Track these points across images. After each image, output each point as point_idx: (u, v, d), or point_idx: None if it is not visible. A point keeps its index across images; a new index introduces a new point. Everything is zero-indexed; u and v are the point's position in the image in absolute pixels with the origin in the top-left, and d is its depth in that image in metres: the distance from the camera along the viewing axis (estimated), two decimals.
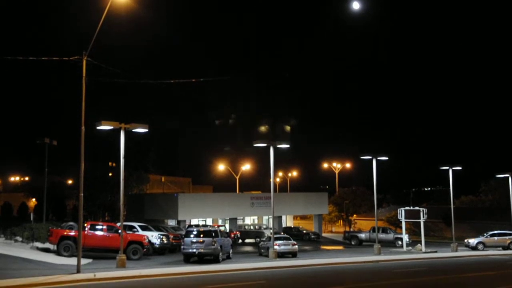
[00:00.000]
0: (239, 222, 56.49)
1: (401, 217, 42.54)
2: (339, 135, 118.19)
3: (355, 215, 74.82)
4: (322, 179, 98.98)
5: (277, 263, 28.40)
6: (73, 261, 24.65)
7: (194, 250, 28.70)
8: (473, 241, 45.65)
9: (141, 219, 46.19)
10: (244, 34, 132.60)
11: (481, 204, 69.86)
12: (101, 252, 30.15)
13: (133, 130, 26.60)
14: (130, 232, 32.29)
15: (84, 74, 22.74)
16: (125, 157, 26.20)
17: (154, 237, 34.26)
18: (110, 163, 56.30)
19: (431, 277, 23.31)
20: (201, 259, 29.27)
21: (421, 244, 41.35)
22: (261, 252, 35.23)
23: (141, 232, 33.85)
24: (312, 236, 56.28)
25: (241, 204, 55.50)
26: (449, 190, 43.44)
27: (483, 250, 43.98)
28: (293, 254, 34.29)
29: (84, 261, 25.36)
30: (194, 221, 50.81)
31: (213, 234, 29.24)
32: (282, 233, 42.02)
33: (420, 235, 42.90)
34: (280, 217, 59.27)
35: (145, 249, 30.32)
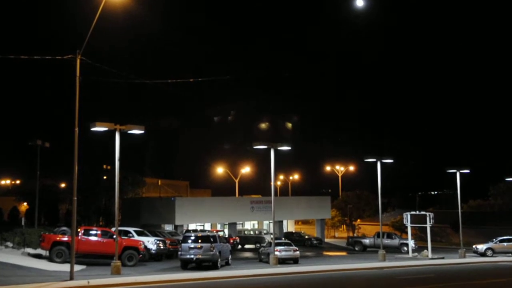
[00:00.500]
0: (239, 227, 56.48)
1: (407, 222, 42.51)
2: (338, 140, 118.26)
3: (358, 220, 74.83)
4: (324, 182, 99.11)
5: (278, 270, 28.39)
6: (66, 267, 24.64)
7: (192, 256, 28.68)
8: (481, 247, 45.60)
9: (137, 224, 46.14)
10: (244, 33, 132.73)
11: (490, 208, 69.88)
12: (95, 258, 30.13)
13: (129, 132, 26.61)
14: (125, 238, 32.26)
15: (77, 74, 22.75)
16: (120, 159, 26.21)
17: (150, 242, 34.23)
18: (104, 166, 56.34)
19: (438, 285, 23.29)
20: (199, 265, 29.25)
21: (427, 250, 41.32)
22: (261, 258, 35.22)
23: (136, 237, 33.82)
24: (314, 242, 56.26)
25: (240, 209, 55.49)
26: (457, 194, 43.41)
27: (492, 256, 43.93)
28: (294, 261, 34.28)
29: (77, 267, 25.34)
30: (191, 226, 50.83)
31: (212, 240, 29.23)
32: (283, 239, 42.02)
33: (426, 240, 42.86)
34: (281, 222, 59.26)
35: (141, 255, 30.30)
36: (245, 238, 52.80)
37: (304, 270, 28.92)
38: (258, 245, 48.85)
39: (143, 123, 26.99)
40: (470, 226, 55.93)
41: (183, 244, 29.29)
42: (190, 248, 28.77)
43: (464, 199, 58.14)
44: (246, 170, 73.31)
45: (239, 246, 50.83)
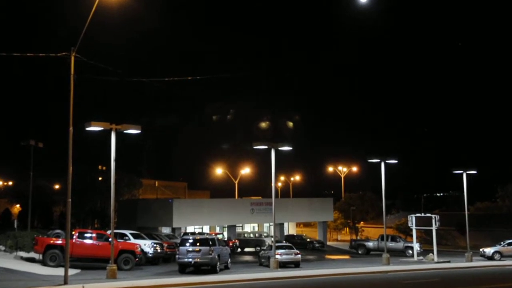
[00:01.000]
0: (238, 229, 56.49)
1: (412, 224, 42.51)
2: (340, 139, 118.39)
3: (362, 222, 74.81)
4: (326, 183, 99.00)
5: (279, 274, 28.39)
6: (60, 271, 24.62)
7: (190, 259, 28.69)
8: (489, 250, 45.59)
9: (133, 226, 46.19)
10: (244, 31, 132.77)
11: (498, 210, 69.81)
12: (90, 262, 30.14)
13: (125, 131, 26.60)
14: (121, 241, 32.24)
15: (72, 72, 22.75)
16: (116, 160, 26.21)
17: (147, 245, 34.24)
18: (100, 167, 56.41)
19: None
20: (197, 269, 29.27)
21: (433, 253, 41.32)
22: (262, 262, 35.24)
23: (133, 240, 33.83)
24: (316, 245, 56.26)
25: (240, 211, 55.51)
26: (463, 195, 43.42)
27: (500, 260, 43.91)
28: (295, 264, 34.30)
29: (71, 271, 25.34)
30: (190, 229, 50.82)
31: (210, 243, 29.24)
32: (284, 242, 42.05)
33: (432, 243, 42.85)
34: (282, 225, 59.25)
35: (137, 259, 30.31)
36: (245, 241, 52.80)
37: (306, 274, 28.92)
38: (258, 248, 48.86)
39: (140, 122, 27.06)
40: (477, 229, 55.91)
41: (181, 248, 29.29)
42: (188, 252, 28.78)
43: (471, 201, 58.10)
44: (246, 171, 73.34)
45: (239, 250, 50.84)
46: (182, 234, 44.32)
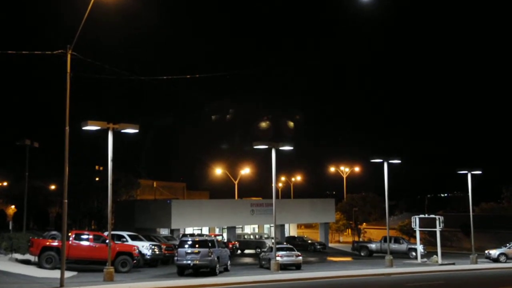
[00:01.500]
0: (238, 231, 56.49)
1: (415, 225, 42.48)
2: (339, 140, 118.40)
3: (364, 224, 74.82)
4: (328, 184, 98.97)
5: (280, 276, 28.40)
6: (56, 274, 24.64)
7: (189, 261, 28.69)
8: (494, 252, 45.59)
9: (131, 227, 46.17)
10: (243, 29, 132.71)
11: (504, 211, 69.79)
12: (87, 264, 30.12)
13: (122, 131, 26.62)
14: (119, 242, 32.27)
15: (68, 70, 22.76)
16: (113, 160, 26.22)
17: (145, 247, 34.25)
18: (97, 167, 56.39)
19: None
20: (196, 271, 29.27)
21: (437, 255, 41.33)
22: (262, 264, 35.25)
23: (130, 242, 33.82)
24: (318, 247, 56.29)
25: (240, 212, 55.49)
26: (468, 196, 43.40)
27: (505, 262, 43.91)
28: (296, 266, 34.30)
29: (68, 274, 25.35)
30: (188, 230, 50.83)
31: (210, 244, 29.24)
32: (284, 243, 42.02)
33: (436, 245, 42.84)
34: (282, 226, 59.25)
35: (135, 261, 30.30)
36: (245, 243, 52.82)
37: (307, 276, 28.93)
38: (259, 250, 48.88)
39: (138, 122, 27.00)
40: (482, 230, 55.86)
41: (179, 249, 29.29)
42: (187, 254, 28.78)
43: (476, 201, 58.20)
44: (245, 171, 73.34)
45: (239, 251, 50.85)
46: (180, 235, 44.32)
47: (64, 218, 23.26)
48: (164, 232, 49.67)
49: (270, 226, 57.16)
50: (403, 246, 49.83)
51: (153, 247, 34.79)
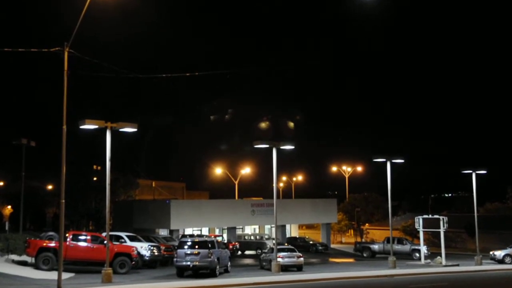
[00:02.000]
0: (239, 231, 56.51)
1: (419, 226, 42.47)
2: (339, 140, 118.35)
3: (367, 224, 74.86)
4: (330, 184, 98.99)
5: (281, 278, 28.39)
6: (53, 275, 24.63)
7: (189, 263, 28.69)
8: (499, 253, 45.56)
9: (130, 228, 46.20)
10: (243, 28, 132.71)
11: (509, 211, 69.77)
12: (84, 266, 30.14)
13: (121, 130, 26.62)
14: (117, 243, 32.29)
15: (65, 67, 22.73)
16: (111, 159, 26.21)
17: (143, 248, 34.25)
18: (94, 167, 56.39)
19: None
20: (196, 272, 29.26)
21: (441, 256, 41.33)
22: (263, 265, 35.24)
23: (129, 243, 33.84)
24: (320, 248, 56.29)
25: (240, 212, 55.51)
26: (472, 196, 43.39)
27: (511, 263, 43.91)
28: (298, 268, 34.27)
29: (65, 275, 25.35)
30: (188, 231, 50.85)
31: (210, 245, 29.23)
32: (286, 244, 42.02)
33: (440, 246, 42.86)
34: (283, 226, 59.28)
35: (133, 262, 30.30)
36: (246, 244, 52.79)
37: (309, 278, 28.93)
38: (259, 251, 48.85)
39: (137, 120, 26.99)
40: (487, 231, 55.87)
41: (179, 250, 29.29)
42: (187, 255, 28.77)
43: (481, 201, 58.12)
44: (246, 171, 73.31)
45: (239, 252, 50.83)
46: (180, 236, 44.33)
47: (61, 219, 23.25)
48: (163, 232, 49.68)
49: (271, 227, 57.16)
50: (407, 247, 49.81)
51: (152, 248, 34.79)
